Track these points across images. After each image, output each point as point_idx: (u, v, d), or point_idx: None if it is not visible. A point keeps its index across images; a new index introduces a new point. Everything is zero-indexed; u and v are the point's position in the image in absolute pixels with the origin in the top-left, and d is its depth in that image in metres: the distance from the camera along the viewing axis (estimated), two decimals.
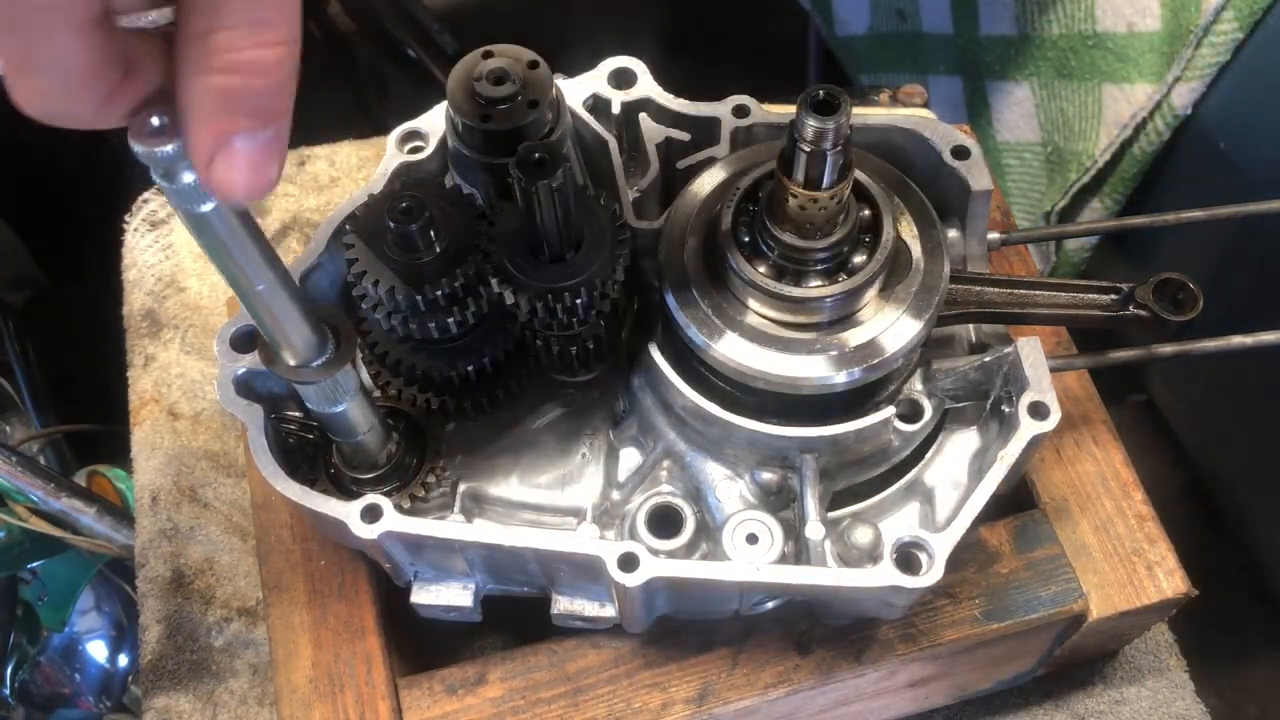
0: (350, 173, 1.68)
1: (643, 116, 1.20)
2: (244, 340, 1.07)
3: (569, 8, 2.91)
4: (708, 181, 1.11)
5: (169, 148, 0.63)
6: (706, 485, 1.11)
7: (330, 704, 1.12)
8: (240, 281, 0.77)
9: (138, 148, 0.62)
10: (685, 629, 1.15)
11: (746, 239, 1.02)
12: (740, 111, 1.18)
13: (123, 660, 1.85)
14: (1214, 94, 1.57)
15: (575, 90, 1.18)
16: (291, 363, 0.88)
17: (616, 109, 1.19)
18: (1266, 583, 1.93)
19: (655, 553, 1.02)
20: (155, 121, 0.62)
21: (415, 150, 1.17)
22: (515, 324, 1.09)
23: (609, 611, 1.10)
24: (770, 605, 1.12)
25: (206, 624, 1.32)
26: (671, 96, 1.20)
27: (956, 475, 1.14)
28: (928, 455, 1.15)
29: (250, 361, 1.05)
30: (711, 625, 1.15)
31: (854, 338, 1.02)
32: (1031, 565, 1.18)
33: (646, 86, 1.20)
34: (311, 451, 1.09)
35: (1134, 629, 1.33)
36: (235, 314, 1.08)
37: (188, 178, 0.65)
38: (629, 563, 0.99)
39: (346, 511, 1.00)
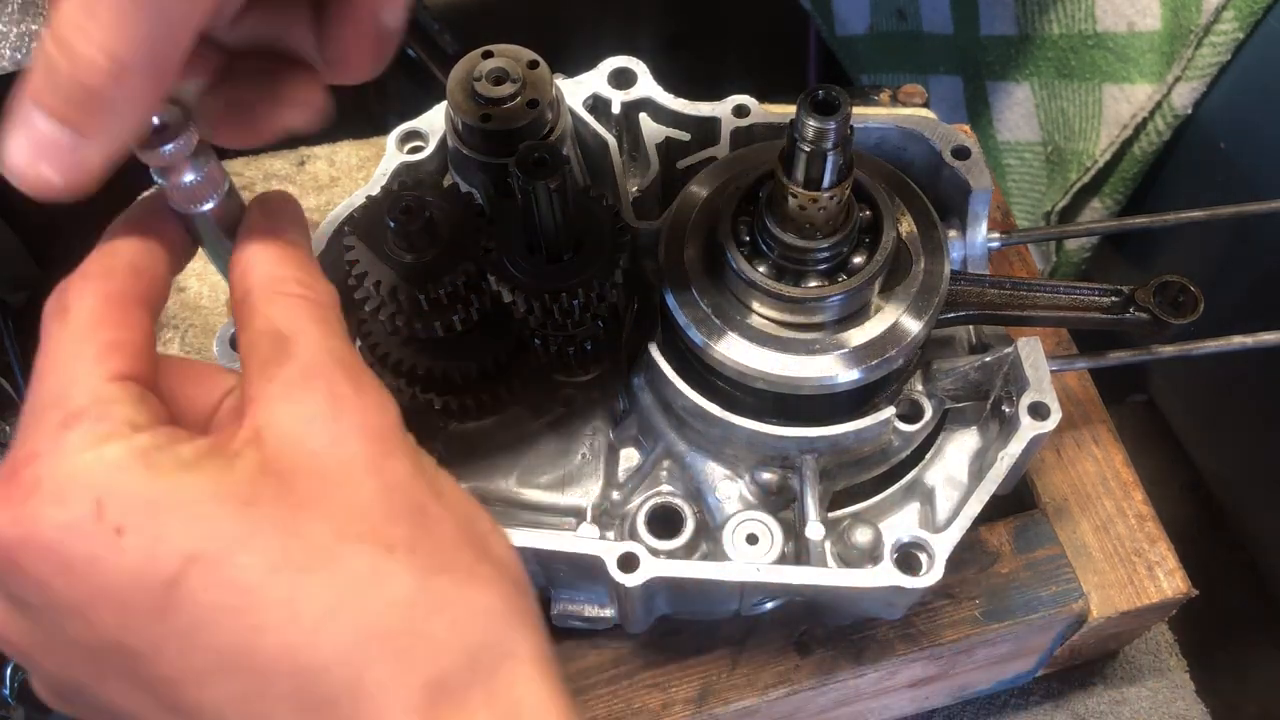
0: (350, 173, 1.67)
1: (643, 116, 1.20)
2: None
3: (569, 8, 2.91)
4: (708, 181, 1.11)
5: (168, 147, 0.63)
6: (706, 485, 1.11)
7: None
8: None
9: (135, 146, 0.62)
10: (685, 629, 1.15)
11: (746, 239, 1.02)
12: (740, 111, 1.18)
13: None
14: (1214, 94, 1.57)
15: (575, 90, 1.18)
16: None
17: (616, 109, 1.19)
18: (1266, 583, 1.93)
19: (655, 553, 1.02)
20: (154, 120, 0.62)
21: (415, 150, 1.17)
22: (516, 322, 1.09)
23: (609, 612, 1.10)
24: (770, 605, 1.12)
25: None
26: (671, 96, 1.19)
27: (956, 475, 1.14)
28: (928, 455, 1.15)
29: None
30: (711, 625, 1.15)
31: (854, 338, 1.02)
32: (1031, 565, 1.18)
33: (646, 86, 1.20)
34: None
35: (1134, 629, 1.33)
36: None
37: (187, 177, 0.65)
38: (629, 563, 0.99)
39: None
